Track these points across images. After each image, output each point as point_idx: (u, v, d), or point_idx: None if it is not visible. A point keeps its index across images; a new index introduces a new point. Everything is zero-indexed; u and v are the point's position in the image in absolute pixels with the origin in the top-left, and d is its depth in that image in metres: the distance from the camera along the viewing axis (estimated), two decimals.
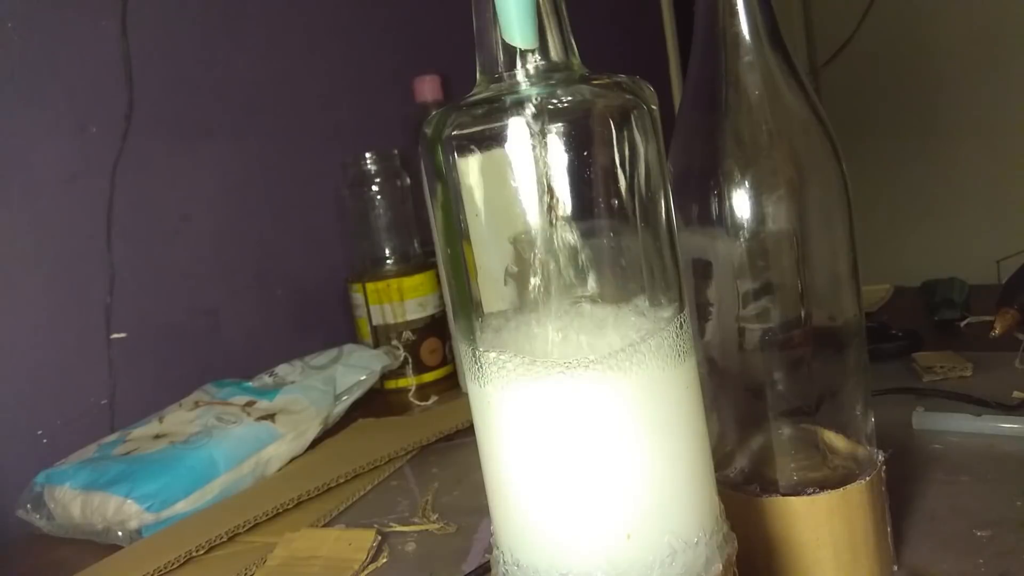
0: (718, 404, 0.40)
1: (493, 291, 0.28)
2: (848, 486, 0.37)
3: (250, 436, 0.69)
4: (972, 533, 0.43)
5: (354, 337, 0.94)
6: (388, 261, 0.94)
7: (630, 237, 0.28)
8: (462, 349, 0.29)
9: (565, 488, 0.27)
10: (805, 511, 0.37)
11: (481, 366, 0.28)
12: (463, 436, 0.72)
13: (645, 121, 0.28)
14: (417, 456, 0.70)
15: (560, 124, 0.26)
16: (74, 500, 0.63)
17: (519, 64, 0.28)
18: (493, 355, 0.27)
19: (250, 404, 0.74)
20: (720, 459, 0.40)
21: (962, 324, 0.80)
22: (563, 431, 0.26)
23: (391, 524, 0.57)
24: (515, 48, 0.28)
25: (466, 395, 0.38)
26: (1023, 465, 0.50)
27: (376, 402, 0.86)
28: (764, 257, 0.38)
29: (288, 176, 0.96)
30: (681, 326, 0.28)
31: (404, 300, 0.90)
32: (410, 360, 0.90)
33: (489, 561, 0.31)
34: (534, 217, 0.26)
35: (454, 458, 0.68)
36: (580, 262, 0.27)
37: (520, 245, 0.27)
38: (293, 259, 0.96)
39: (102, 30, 0.81)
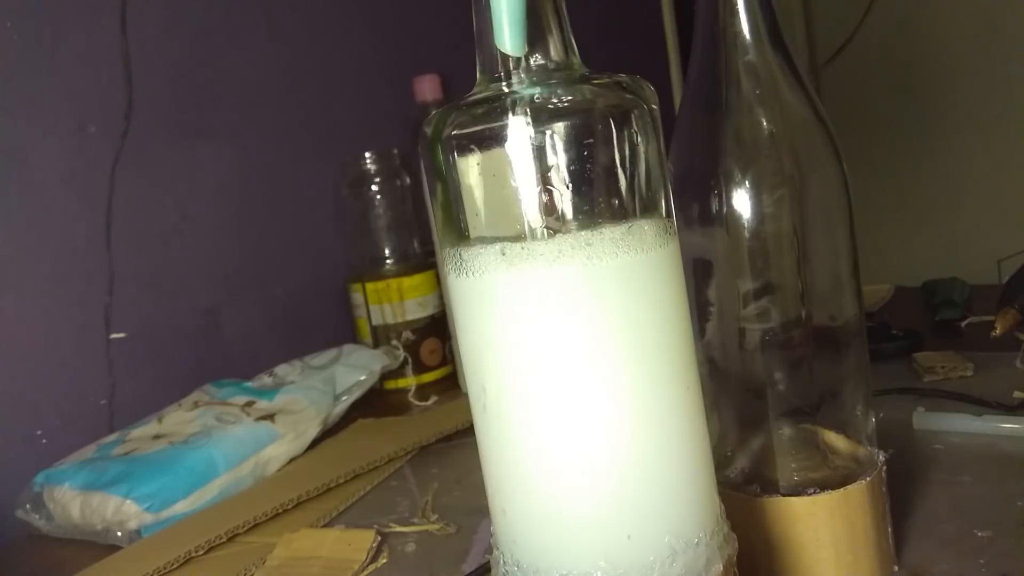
0: (719, 404, 0.40)
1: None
2: (849, 486, 0.37)
3: (250, 436, 0.69)
4: (973, 533, 0.43)
5: (354, 337, 0.94)
6: (388, 261, 0.94)
7: None
8: (446, 253, 0.28)
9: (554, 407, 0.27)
10: (806, 511, 0.37)
11: (463, 260, 0.27)
12: (463, 436, 0.72)
13: (645, 120, 0.28)
14: (417, 456, 0.70)
15: (560, 124, 0.26)
16: (73, 500, 0.63)
17: (519, 64, 0.28)
18: (478, 247, 0.27)
19: (250, 404, 0.74)
20: (721, 459, 0.40)
21: (963, 324, 0.80)
22: (547, 321, 0.26)
23: (391, 524, 0.57)
24: None
25: (466, 395, 0.38)
26: None
27: (376, 402, 0.86)
28: (764, 257, 0.38)
29: (288, 176, 0.96)
30: (666, 227, 0.28)
31: (404, 300, 0.90)
32: (410, 360, 0.90)
33: (489, 561, 0.31)
34: (534, 217, 0.26)
35: (454, 458, 0.68)
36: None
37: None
38: (293, 258, 0.96)
39: (102, 30, 0.81)
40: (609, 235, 0.26)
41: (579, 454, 0.27)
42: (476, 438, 0.29)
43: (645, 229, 0.27)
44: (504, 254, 0.26)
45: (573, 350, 0.26)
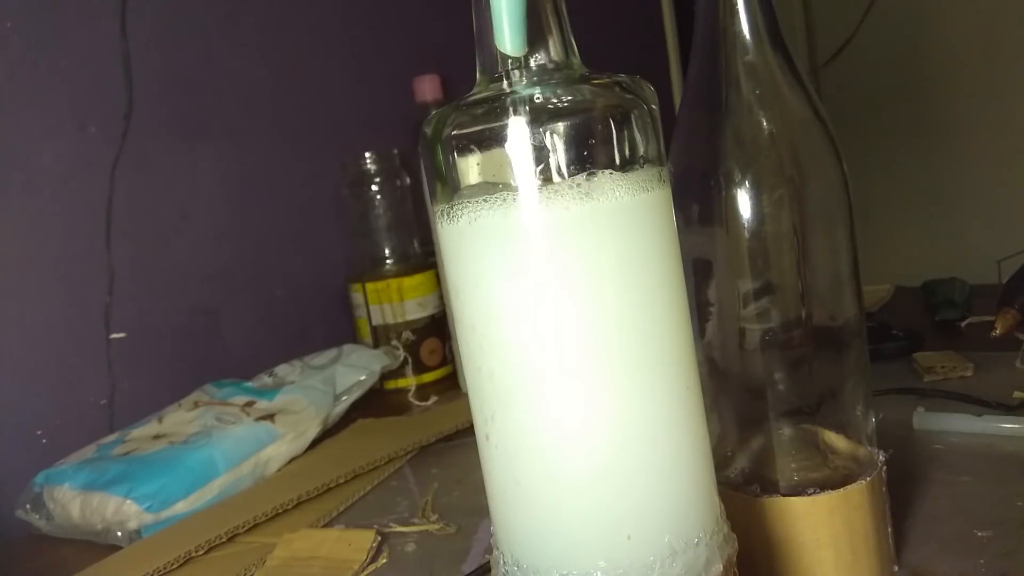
0: (719, 404, 0.40)
1: None
2: (849, 486, 0.37)
3: (250, 436, 0.69)
4: (973, 533, 0.43)
5: (354, 337, 0.94)
6: (388, 261, 0.94)
7: None
8: (436, 210, 0.28)
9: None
10: (806, 511, 0.37)
11: (453, 208, 0.27)
12: (463, 436, 0.72)
13: (645, 120, 0.28)
14: (417, 456, 0.70)
15: (560, 124, 0.26)
16: (73, 500, 0.63)
17: (519, 64, 0.28)
18: (468, 199, 0.27)
19: (250, 404, 0.74)
20: (721, 459, 0.40)
21: (963, 324, 0.80)
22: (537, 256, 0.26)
23: (391, 524, 0.57)
24: None
25: (466, 395, 0.38)
26: None
27: (376, 402, 0.86)
28: (764, 257, 0.38)
29: (288, 176, 0.96)
30: (659, 173, 0.28)
31: (404, 300, 0.90)
32: (410, 360, 0.90)
33: (489, 561, 0.31)
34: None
35: (454, 458, 0.68)
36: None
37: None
38: (293, 259, 0.96)
39: (102, 30, 0.81)
40: (602, 178, 0.26)
41: (579, 454, 0.27)
42: (476, 439, 0.29)
43: (638, 173, 0.27)
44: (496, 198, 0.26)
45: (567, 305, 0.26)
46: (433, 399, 0.86)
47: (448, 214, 0.27)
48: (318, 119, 1.00)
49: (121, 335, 0.80)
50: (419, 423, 0.77)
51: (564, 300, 0.26)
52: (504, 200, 0.26)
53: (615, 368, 0.27)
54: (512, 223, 0.26)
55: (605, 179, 0.26)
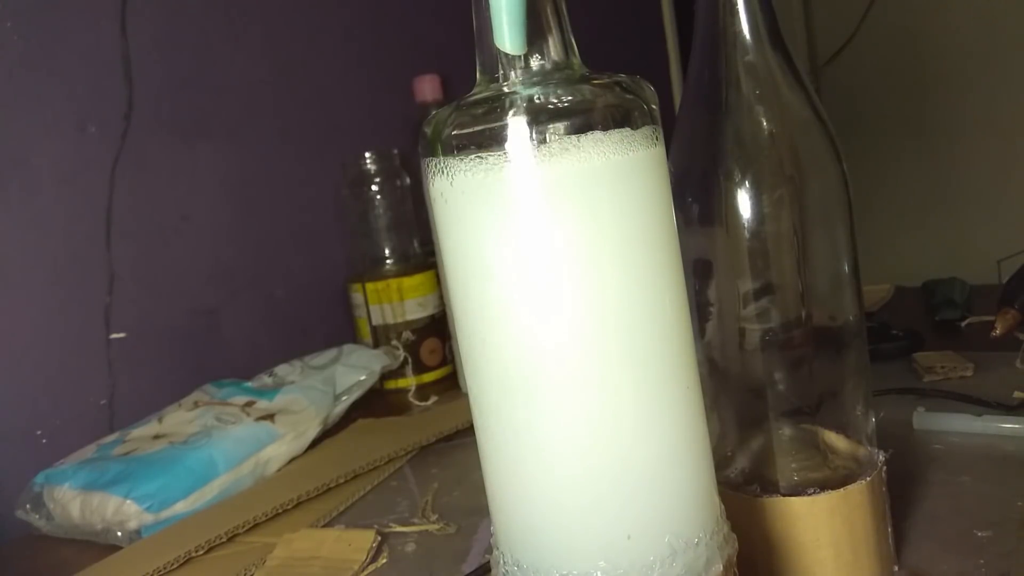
0: (719, 404, 0.40)
1: None
2: (849, 486, 0.37)
3: (249, 436, 0.69)
4: (973, 533, 0.43)
5: (354, 337, 0.94)
6: (388, 261, 0.94)
7: None
8: (430, 182, 0.28)
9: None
10: (806, 511, 0.37)
11: (448, 168, 0.27)
12: (463, 436, 0.72)
13: (645, 121, 0.28)
14: (417, 456, 0.70)
15: (560, 124, 0.26)
16: (73, 500, 0.63)
17: (519, 64, 0.28)
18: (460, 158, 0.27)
19: (249, 404, 0.74)
20: (721, 459, 0.40)
21: (963, 324, 0.80)
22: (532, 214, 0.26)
23: (391, 524, 0.57)
24: None
25: (466, 395, 0.38)
26: None
27: (376, 402, 0.86)
28: (764, 257, 0.38)
29: (288, 176, 0.96)
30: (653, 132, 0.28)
31: (404, 300, 0.90)
32: (410, 360, 0.90)
33: (489, 561, 0.31)
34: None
35: (454, 458, 0.68)
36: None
37: None
38: (293, 259, 0.96)
39: (102, 30, 0.81)
40: (596, 136, 0.26)
41: (579, 453, 0.27)
42: (476, 437, 0.29)
43: (633, 134, 0.27)
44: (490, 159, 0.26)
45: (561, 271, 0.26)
46: (433, 399, 0.86)
47: (442, 169, 0.27)
48: (318, 119, 1.00)
49: (121, 335, 0.80)
50: (419, 423, 0.77)
51: (560, 265, 0.26)
52: (498, 160, 0.26)
53: (612, 357, 0.26)
54: (506, 182, 0.26)
55: (599, 138, 0.26)
